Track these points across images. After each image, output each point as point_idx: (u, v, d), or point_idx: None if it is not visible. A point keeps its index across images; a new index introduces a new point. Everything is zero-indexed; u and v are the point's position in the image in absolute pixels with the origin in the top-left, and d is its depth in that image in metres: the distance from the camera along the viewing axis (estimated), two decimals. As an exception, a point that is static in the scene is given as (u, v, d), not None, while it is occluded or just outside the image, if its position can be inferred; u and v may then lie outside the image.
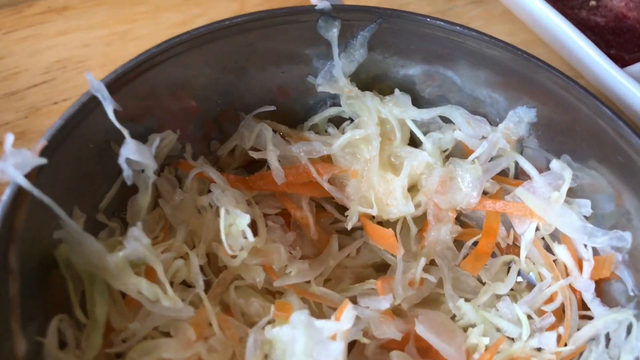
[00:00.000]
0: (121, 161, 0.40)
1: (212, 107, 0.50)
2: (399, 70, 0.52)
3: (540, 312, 0.46)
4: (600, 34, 0.67)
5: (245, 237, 0.43)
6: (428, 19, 0.48)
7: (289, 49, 0.50)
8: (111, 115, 0.40)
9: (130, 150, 0.40)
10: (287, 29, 0.48)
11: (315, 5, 0.47)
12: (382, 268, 0.51)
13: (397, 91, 0.52)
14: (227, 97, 0.51)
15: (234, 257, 0.43)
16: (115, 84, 0.42)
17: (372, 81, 0.53)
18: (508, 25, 0.75)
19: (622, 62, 0.65)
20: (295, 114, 0.54)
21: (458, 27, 0.47)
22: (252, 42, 0.48)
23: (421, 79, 0.52)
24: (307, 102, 0.54)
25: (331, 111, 0.53)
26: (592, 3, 0.71)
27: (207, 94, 0.49)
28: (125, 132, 0.41)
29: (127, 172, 0.40)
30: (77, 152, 0.41)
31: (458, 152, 0.52)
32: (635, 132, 0.42)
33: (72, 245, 0.37)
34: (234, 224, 0.42)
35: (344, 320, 0.38)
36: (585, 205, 0.47)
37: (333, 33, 0.49)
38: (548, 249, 0.48)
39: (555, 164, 0.48)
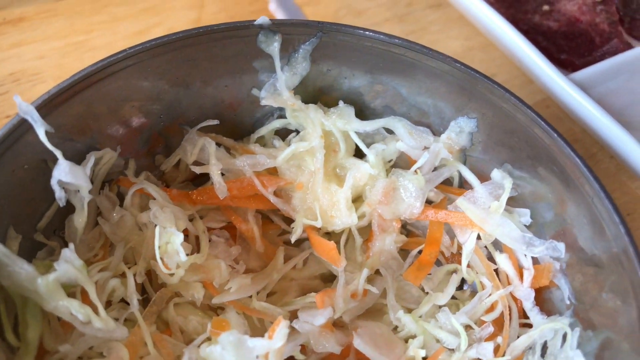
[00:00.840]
0: (53, 183, 0.40)
1: (156, 122, 0.50)
2: (344, 82, 0.52)
3: (482, 322, 0.46)
4: (553, 39, 0.68)
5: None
6: (367, 32, 0.48)
7: (231, 63, 0.50)
8: (42, 137, 0.40)
9: (63, 172, 0.40)
10: (227, 44, 0.48)
11: (254, 21, 0.47)
12: (330, 279, 0.51)
13: (341, 103, 0.52)
14: (171, 112, 0.51)
15: (172, 274, 0.43)
16: (50, 104, 0.42)
17: (319, 93, 0.53)
18: (465, 28, 0.75)
19: (572, 67, 0.66)
20: (243, 126, 0.54)
21: (397, 40, 0.47)
22: (193, 57, 0.49)
23: (367, 90, 0.52)
24: (254, 115, 0.54)
25: (277, 123, 0.53)
26: (546, 7, 0.71)
27: (150, 110, 0.49)
28: (58, 154, 0.41)
29: (59, 194, 0.40)
30: (10, 174, 0.41)
31: (403, 162, 0.52)
32: (567, 142, 0.43)
33: (2, 268, 0.37)
34: (170, 242, 0.42)
35: (277, 338, 0.38)
36: (524, 215, 0.47)
37: (274, 47, 0.49)
38: (492, 257, 0.49)
39: (496, 173, 0.48)
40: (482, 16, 0.60)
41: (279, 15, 0.75)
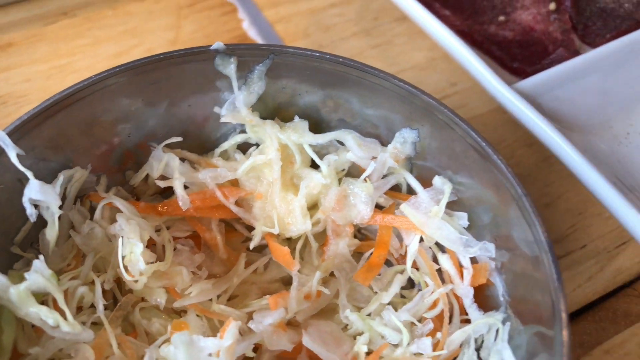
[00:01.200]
0: (24, 201, 0.45)
1: (126, 141, 0.55)
2: (300, 98, 0.56)
3: (425, 319, 0.50)
4: (507, 48, 0.71)
5: (149, 263, 0.47)
6: (314, 53, 0.52)
7: (194, 84, 0.54)
8: (14, 160, 0.45)
9: (33, 190, 0.45)
10: (187, 68, 0.52)
11: (210, 46, 0.52)
12: (290, 281, 0.55)
13: (296, 118, 0.56)
14: (139, 131, 0.55)
15: (136, 281, 0.47)
16: (23, 128, 0.46)
17: (278, 108, 0.57)
18: (428, 40, 0.79)
19: (524, 74, 0.69)
20: (209, 141, 0.58)
21: (340, 59, 0.51)
22: (157, 80, 0.53)
23: (321, 105, 0.56)
24: (218, 130, 0.58)
25: (239, 138, 0.57)
26: (502, 18, 0.75)
27: (119, 129, 0.54)
28: (28, 174, 0.45)
29: (29, 211, 0.45)
30: (-13, 194, 0.45)
31: (355, 170, 0.56)
32: (495, 151, 0.46)
33: (-22, 279, 0.41)
34: (133, 252, 0.46)
35: (227, 337, 0.42)
36: (462, 218, 0.51)
37: (231, 69, 0.53)
38: (436, 258, 0.53)
39: (437, 179, 0.52)
40: (433, 30, 0.64)
41: (252, 33, 0.80)
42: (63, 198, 0.50)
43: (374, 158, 0.54)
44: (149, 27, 0.80)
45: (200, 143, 0.58)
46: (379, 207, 0.55)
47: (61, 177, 0.48)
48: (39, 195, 0.45)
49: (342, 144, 0.56)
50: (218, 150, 0.57)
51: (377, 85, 0.52)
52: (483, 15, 0.75)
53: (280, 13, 0.82)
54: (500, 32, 0.73)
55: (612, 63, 0.68)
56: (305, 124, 0.55)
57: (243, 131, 0.57)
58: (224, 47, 0.52)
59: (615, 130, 0.67)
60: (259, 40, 0.79)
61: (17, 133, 0.46)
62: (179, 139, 0.55)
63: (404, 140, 0.53)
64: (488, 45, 0.70)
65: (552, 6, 0.75)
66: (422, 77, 0.77)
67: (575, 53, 0.70)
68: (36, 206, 0.47)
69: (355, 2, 0.84)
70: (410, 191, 0.55)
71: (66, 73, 0.75)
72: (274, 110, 0.57)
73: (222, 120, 0.55)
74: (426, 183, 0.54)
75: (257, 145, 0.57)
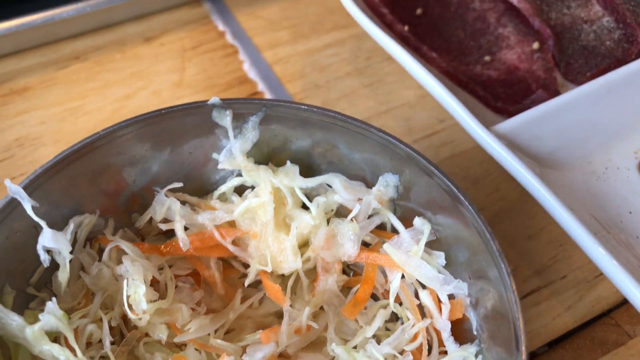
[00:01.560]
0: (38, 248, 0.50)
1: (132, 186, 0.59)
2: (291, 144, 0.61)
3: (405, 352, 0.54)
4: (491, 88, 0.75)
5: (151, 301, 0.52)
6: (303, 107, 0.56)
7: (193, 133, 0.59)
8: (30, 212, 0.50)
9: (47, 239, 0.50)
10: (188, 119, 0.57)
11: (207, 101, 0.56)
12: (283, 315, 0.59)
13: (288, 163, 0.60)
14: (144, 176, 0.60)
15: (140, 318, 0.51)
16: (37, 182, 0.52)
17: (272, 153, 0.62)
18: (418, 79, 0.83)
19: (507, 113, 0.73)
20: (208, 183, 0.63)
21: (327, 112, 0.56)
22: (160, 131, 0.58)
23: (311, 150, 0.61)
24: (216, 173, 0.63)
25: (235, 181, 0.62)
26: (487, 58, 0.79)
27: (126, 176, 0.59)
28: (42, 223, 0.50)
29: (43, 257, 0.50)
30: (5, 240, 0.50)
31: (344, 209, 0.60)
32: (466, 197, 0.51)
33: (-2, 321, 0.46)
34: (136, 292, 0.51)
35: (220, 371, 0.46)
36: (440, 257, 0.55)
37: (227, 121, 0.58)
38: (417, 293, 0.56)
39: (417, 220, 0.56)
40: (414, 73, 0.68)
41: (252, 74, 0.85)
42: (74, 242, 0.55)
43: (359, 199, 0.58)
44: (156, 70, 0.85)
45: (200, 185, 0.63)
46: (365, 244, 0.59)
47: (72, 225, 0.53)
48: (52, 243, 0.50)
49: (330, 186, 0.60)
50: (217, 193, 0.62)
51: (358, 133, 0.56)
52: (469, 55, 0.79)
53: (279, 54, 0.87)
54: (485, 72, 0.77)
55: (591, 101, 0.71)
56: (296, 169, 0.60)
57: (240, 174, 0.62)
58: (220, 102, 0.56)
59: (594, 166, 0.70)
60: (258, 81, 0.84)
61: (31, 186, 0.51)
62: (180, 184, 0.59)
63: (387, 184, 0.57)
64: (473, 85, 0.74)
65: (536, 45, 0.79)
66: (412, 114, 0.81)
67: (556, 93, 0.73)
68: (49, 251, 0.52)
69: (349, 43, 0.89)
70: (395, 229, 0.60)
71: (78, 115, 0.80)
72: (268, 155, 0.62)
73: (220, 166, 0.60)
74: (408, 222, 0.58)
75: (253, 187, 0.62)
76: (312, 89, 0.84)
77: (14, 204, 0.50)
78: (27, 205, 0.49)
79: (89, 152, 0.55)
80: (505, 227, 0.71)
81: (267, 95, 0.82)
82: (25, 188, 0.50)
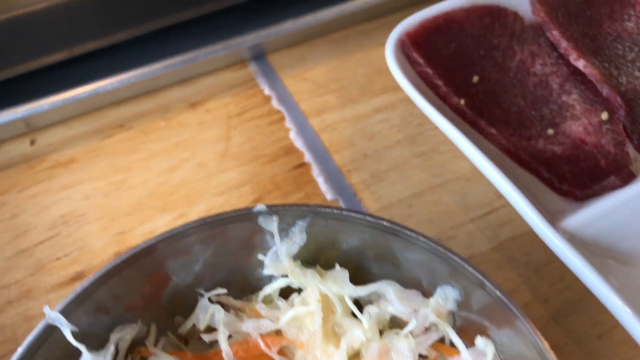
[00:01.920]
0: (78, 374, 0.48)
1: (174, 290, 0.57)
2: (341, 244, 0.57)
3: None
4: (555, 167, 0.70)
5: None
6: (352, 214, 0.53)
7: (238, 238, 0.56)
8: (69, 337, 0.48)
9: (86, 364, 0.48)
10: (232, 227, 0.55)
11: (253, 208, 0.53)
12: None
13: (337, 266, 0.57)
14: (187, 278, 0.57)
15: None
16: (76, 301, 0.50)
17: (320, 250, 0.58)
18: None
19: (573, 197, 0.67)
20: (253, 282, 0.60)
21: (384, 222, 0.52)
22: (204, 239, 0.55)
23: (363, 251, 0.57)
24: (261, 274, 0.60)
25: (282, 282, 0.58)
26: (550, 131, 0.73)
27: (168, 282, 0.56)
28: (82, 348, 0.48)
29: (83, 380, 0.48)
30: (47, 362, 0.49)
31: (398, 317, 0.56)
32: (515, 305, 0.46)
33: None
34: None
35: None
36: (504, 382, 0.50)
37: (273, 226, 0.55)
38: (479, 418, 0.52)
39: (479, 340, 0.51)
40: (469, 156, 0.63)
41: (298, 144, 0.81)
42: (115, 353, 0.53)
43: (415, 310, 0.54)
44: (200, 139, 0.83)
45: (244, 285, 0.60)
46: (422, 356, 0.55)
47: (112, 343, 0.51)
48: (92, 368, 0.48)
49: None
50: (262, 294, 0.59)
51: (414, 243, 0.52)
52: (531, 127, 0.74)
53: (326, 121, 0.84)
54: (548, 147, 0.71)
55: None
56: (345, 274, 0.56)
57: (285, 275, 0.59)
58: (265, 209, 0.53)
59: (666, 260, 0.64)
60: (304, 150, 0.81)
61: (72, 304, 0.49)
62: (224, 291, 0.57)
63: (446, 297, 0.53)
64: (535, 165, 0.69)
65: (605, 115, 0.73)
66: (468, 188, 0.76)
67: (629, 173, 0.67)
68: (90, 369, 0.50)
69: (400, 107, 0.85)
70: (453, 344, 0.55)
71: (122, 189, 0.79)
72: (316, 252, 0.59)
73: (266, 272, 0.57)
74: (469, 336, 0.53)
75: (299, 290, 0.59)
76: (361, 159, 0.80)
77: (51, 328, 0.48)
78: (67, 331, 0.48)
79: (132, 264, 0.52)
80: (572, 323, 0.66)
81: (314, 168, 0.79)
82: (67, 307, 0.49)
